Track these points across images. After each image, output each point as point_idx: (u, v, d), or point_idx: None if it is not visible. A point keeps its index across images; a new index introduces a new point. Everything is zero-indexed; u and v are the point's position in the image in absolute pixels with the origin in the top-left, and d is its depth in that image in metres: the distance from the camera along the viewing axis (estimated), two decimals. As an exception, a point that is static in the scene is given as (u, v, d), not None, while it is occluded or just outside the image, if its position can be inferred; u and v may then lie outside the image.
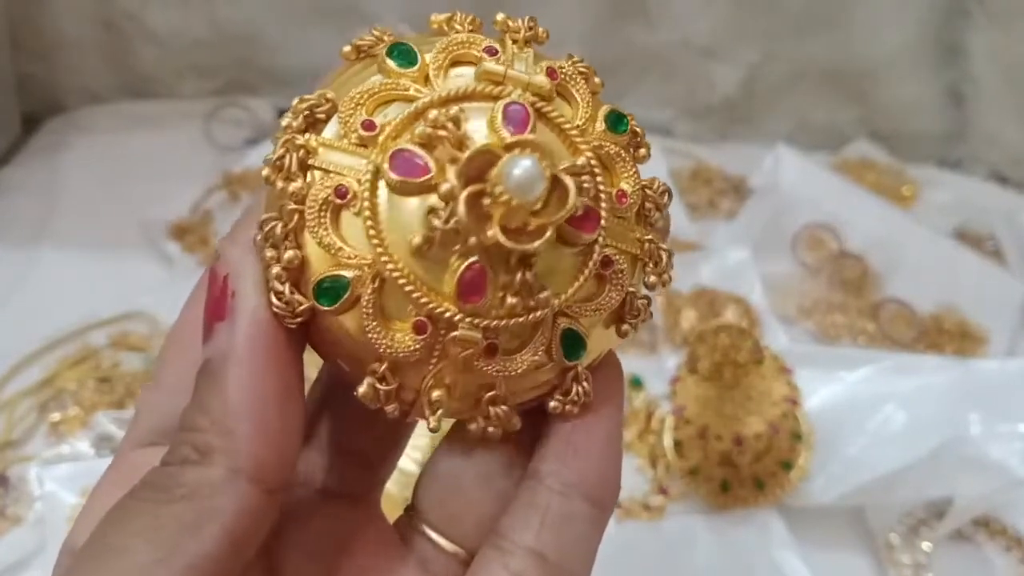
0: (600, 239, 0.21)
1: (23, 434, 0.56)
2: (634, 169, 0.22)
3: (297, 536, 0.24)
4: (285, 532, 0.24)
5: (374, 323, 0.20)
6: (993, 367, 0.58)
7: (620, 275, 0.21)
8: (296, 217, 0.20)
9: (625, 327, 0.22)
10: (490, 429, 0.22)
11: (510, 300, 0.20)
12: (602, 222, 0.20)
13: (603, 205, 0.20)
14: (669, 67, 0.82)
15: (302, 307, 0.20)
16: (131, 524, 0.19)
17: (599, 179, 0.21)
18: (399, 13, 0.80)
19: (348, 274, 0.20)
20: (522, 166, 0.18)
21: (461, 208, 0.19)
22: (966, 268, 0.68)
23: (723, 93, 0.82)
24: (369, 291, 0.20)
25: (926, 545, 0.51)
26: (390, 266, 0.20)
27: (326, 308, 0.20)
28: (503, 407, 0.21)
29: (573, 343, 0.21)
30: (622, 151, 0.22)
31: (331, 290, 0.20)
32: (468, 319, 0.20)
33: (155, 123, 0.80)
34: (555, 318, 0.21)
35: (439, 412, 0.21)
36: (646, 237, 0.22)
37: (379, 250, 0.20)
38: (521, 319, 0.20)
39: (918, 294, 0.66)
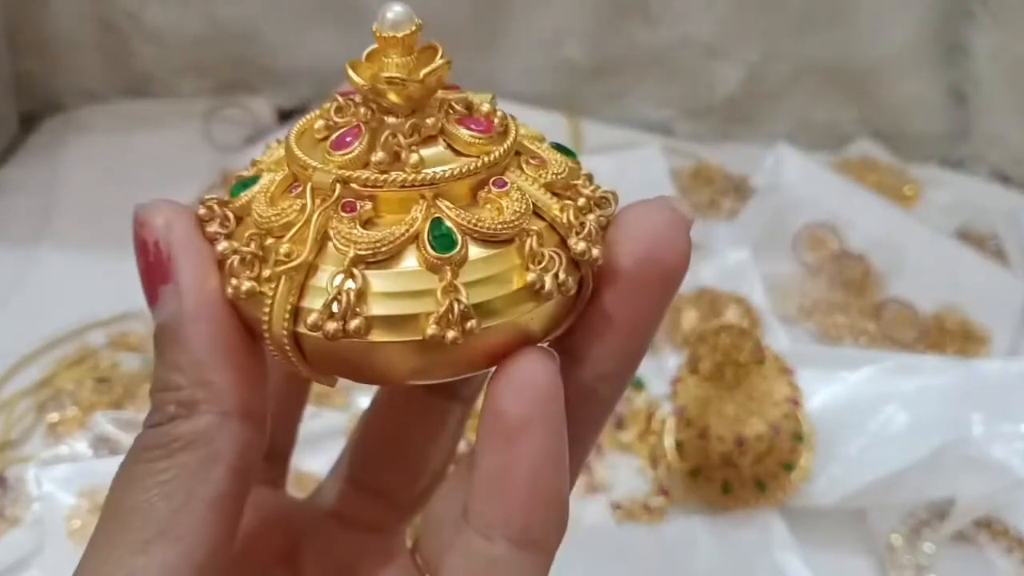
0: (492, 155, 0.20)
1: (21, 434, 0.55)
2: (565, 163, 0.22)
3: (320, 557, 0.25)
4: (309, 553, 0.25)
5: (264, 202, 0.20)
6: (995, 367, 0.58)
7: (516, 202, 0.20)
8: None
9: (532, 275, 0.19)
10: (329, 324, 0.19)
11: (377, 155, 0.20)
12: (500, 140, 0.21)
13: (503, 131, 0.21)
14: (670, 67, 0.82)
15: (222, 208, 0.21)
16: (141, 483, 0.20)
17: (498, 113, 0.21)
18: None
19: (265, 171, 0.22)
20: (394, 9, 0.21)
21: (354, 78, 0.20)
22: (968, 268, 0.68)
23: (724, 92, 0.82)
24: (275, 178, 0.21)
25: (928, 546, 0.51)
26: (292, 143, 0.21)
27: (233, 198, 0.21)
28: (354, 287, 0.19)
29: (444, 233, 0.19)
30: (554, 151, 0.22)
31: (244, 182, 0.22)
32: (328, 167, 0.20)
33: (154, 122, 0.80)
34: (429, 213, 0.20)
35: (289, 264, 0.19)
36: (567, 204, 0.21)
37: (290, 143, 0.21)
38: (384, 178, 0.20)
39: (920, 294, 0.66)
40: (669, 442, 0.54)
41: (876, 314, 0.65)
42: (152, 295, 0.20)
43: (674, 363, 0.58)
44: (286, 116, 0.81)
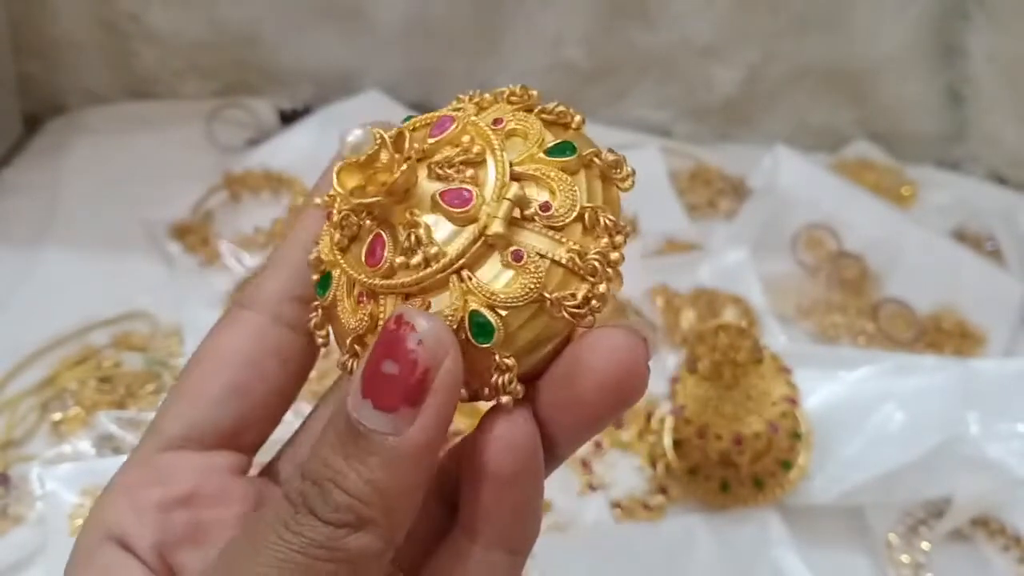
0: (484, 215, 0.22)
1: (24, 434, 0.56)
2: (570, 187, 0.22)
3: None
4: None
5: (340, 305, 0.23)
6: (992, 367, 0.58)
7: (533, 271, 0.21)
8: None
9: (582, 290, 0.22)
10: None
11: (399, 259, 0.22)
12: (482, 203, 0.22)
13: (487, 196, 0.22)
14: (669, 67, 0.82)
15: (315, 303, 0.24)
16: (294, 573, 0.20)
17: (469, 172, 0.22)
18: (399, 13, 0.80)
19: (333, 272, 0.24)
20: (355, 134, 0.22)
21: (332, 177, 0.22)
22: (965, 268, 0.68)
23: (723, 93, 0.82)
24: (341, 282, 0.24)
25: (925, 545, 0.51)
26: (340, 260, 0.23)
27: (319, 299, 0.24)
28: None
29: (480, 323, 0.21)
30: (554, 171, 0.23)
31: (323, 282, 0.24)
32: (372, 280, 0.22)
33: (156, 124, 0.80)
34: (465, 300, 0.22)
35: None
36: (578, 248, 0.22)
37: (335, 250, 0.23)
38: (416, 275, 0.22)
39: (917, 294, 0.66)
40: (668, 441, 0.54)
41: (874, 314, 0.65)
42: (383, 401, 0.20)
43: (673, 363, 0.58)
44: (288, 117, 0.81)
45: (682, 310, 0.63)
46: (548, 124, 0.24)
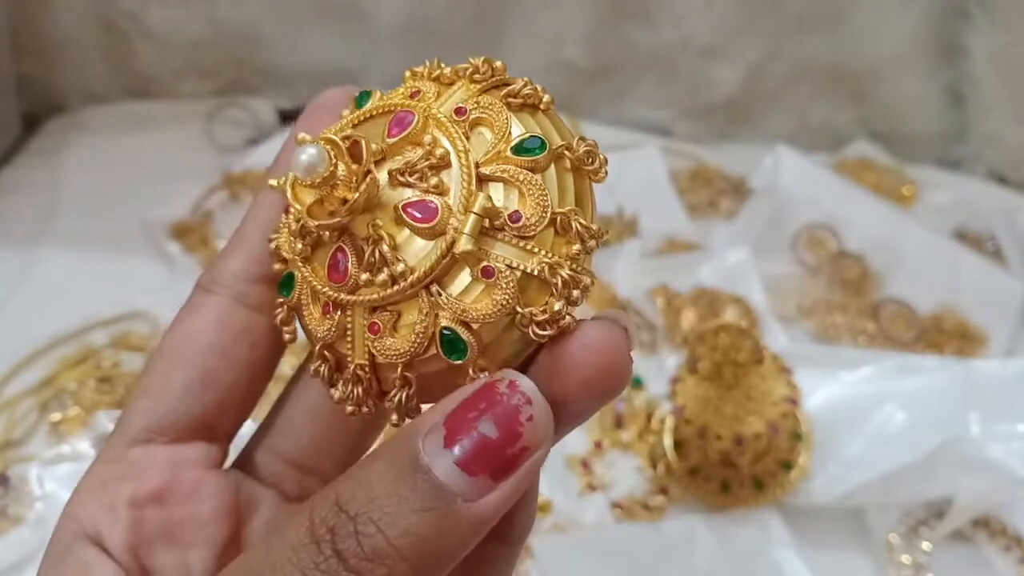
0: (451, 230, 0.21)
1: (24, 434, 0.56)
2: (540, 191, 0.21)
3: (263, 528, 0.26)
4: (253, 523, 0.26)
5: (306, 310, 0.23)
6: (993, 367, 0.58)
7: (505, 287, 0.21)
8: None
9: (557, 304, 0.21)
10: (394, 417, 0.22)
11: (364, 275, 0.21)
12: (448, 216, 0.21)
13: (453, 206, 0.21)
14: (669, 67, 0.82)
15: (280, 301, 0.24)
16: None
17: (433, 180, 0.21)
18: (398, 13, 0.80)
19: (296, 273, 0.23)
20: (308, 152, 0.21)
21: (288, 192, 0.22)
22: (966, 268, 0.68)
23: (723, 93, 0.82)
24: (305, 288, 0.23)
25: (926, 545, 0.51)
26: (305, 270, 0.23)
27: (284, 298, 0.24)
28: (406, 392, 0.22)
29: (451, 340, 0.21)
30: (524, 173, 0.21)
31: (286, 282, 0.24)
32: (338, 295, 0.22)
33: (156, 123, 0.80)
34: (436, 314, 0.21)
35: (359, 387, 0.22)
36: (551, 260, 0.21)
37: (297, 260, 0.23)
38: (383, 292, 0.21)
39: (918, 294, 0.66)
40: (668, 441, 0.54)
41: (874, 314, 0.65)
42: (467, 460, 0.19)
43: (673, 363, 0.58)
44: (287, 117, 0.81)
45: (683, 310, 0.63)
46: (515, 108, 0.22)
